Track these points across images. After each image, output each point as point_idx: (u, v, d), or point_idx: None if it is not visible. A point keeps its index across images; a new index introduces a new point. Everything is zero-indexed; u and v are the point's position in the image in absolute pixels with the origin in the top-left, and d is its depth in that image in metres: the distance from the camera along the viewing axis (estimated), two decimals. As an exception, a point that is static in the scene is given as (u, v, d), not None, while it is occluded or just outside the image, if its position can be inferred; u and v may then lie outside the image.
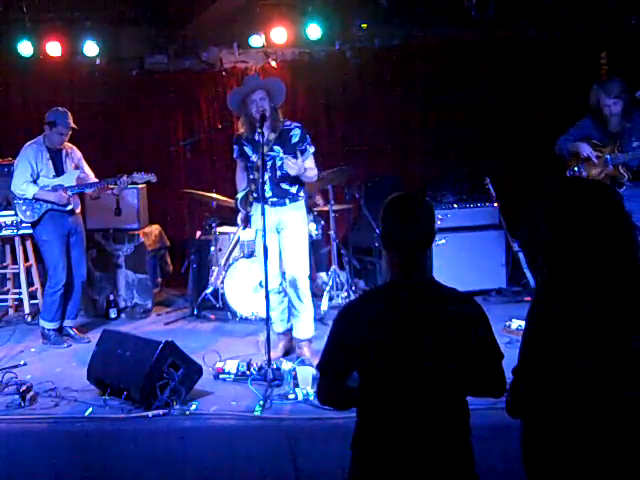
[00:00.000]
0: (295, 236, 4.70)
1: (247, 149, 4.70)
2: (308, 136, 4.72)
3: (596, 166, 5.10)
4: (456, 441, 2.23)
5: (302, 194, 4.77)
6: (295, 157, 4.58)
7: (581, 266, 2.06)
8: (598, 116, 5.11)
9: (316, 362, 4.49)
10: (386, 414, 2.22)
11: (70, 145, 5.49)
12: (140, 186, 6.39)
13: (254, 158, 4.65)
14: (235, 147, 4.81)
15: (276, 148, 4.63)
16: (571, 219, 2.07)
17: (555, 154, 6.66)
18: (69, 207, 5.37)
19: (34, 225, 5.41)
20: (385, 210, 2.31)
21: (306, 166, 4.64)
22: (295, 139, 4.64)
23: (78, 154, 5.55)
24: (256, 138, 4.52)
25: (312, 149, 4.73)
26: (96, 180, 5.51)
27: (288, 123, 4.70)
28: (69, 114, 5.30)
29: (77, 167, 5.47)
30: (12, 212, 5.92)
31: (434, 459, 2.19)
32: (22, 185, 5.29)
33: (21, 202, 5.34)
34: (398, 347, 2.19)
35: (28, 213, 5.36)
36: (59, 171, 5.39)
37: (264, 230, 4.40)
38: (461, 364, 2.21)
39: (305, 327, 4.80)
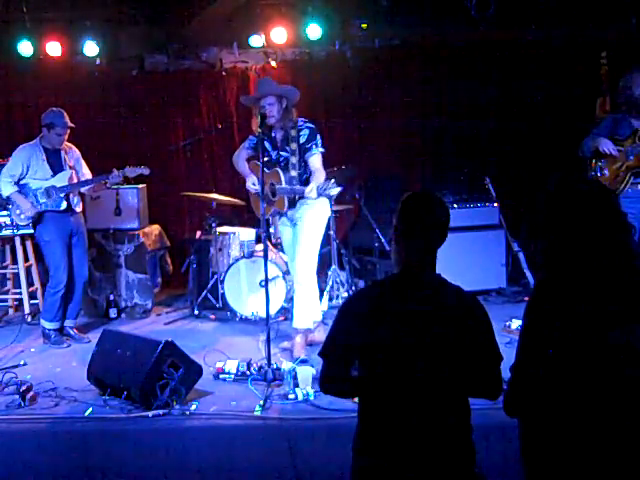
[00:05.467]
0: (303, 230, 4.81)
1: (267, 145, 4.81)
2: (319, 137, 4.79)
3: (617, 160, 5.04)
4: (457, 438, 2.24)
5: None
6: (301, 163, 4.74)
7: (578, 266, 2.06)
8: (625, 102, 5.03)
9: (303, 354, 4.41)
10: (386, 409, 2.23)
11: (69, 145, 5.49)
12: (140, 186, 6.40)
13: (273, 154, 4.80)
14: (254, 139, 4.87)
15: (287, 148, 4.74)
16: (569, 220, 2.08)
17: (555, 155, 6.67)
18: (63, 206, 5.35)
19: (35, 225, 5.41)
20: (402, 206, 2.34)
21: (314, 166, 4.72)
22: (302, 139, 4.73)
23: (77, 154, 5.54)
24: (278, 138, 4.76)
25: (318, 150, 4.77)
26: (89, 178, 5.51)
27: (301, 123, 4.76)
28: (65, 113, 5.30)
29: (72, 167, 5.47)
30: (12, 212, 5.93)
31: (435, 456, 2.19)
32: (1, 182, 5.33)
33: (15, 206, 5.35)
34: (399, 341, 2.21)
35: (22, 216, 5.35)
36: (57, 171, 5.38)
37: (264, 230, 4.43)
38: (459, 362, 2.22)
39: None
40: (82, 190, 5.56)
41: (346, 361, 2.32)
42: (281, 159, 4.79)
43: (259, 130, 4.49)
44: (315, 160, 4.77)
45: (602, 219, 2.07)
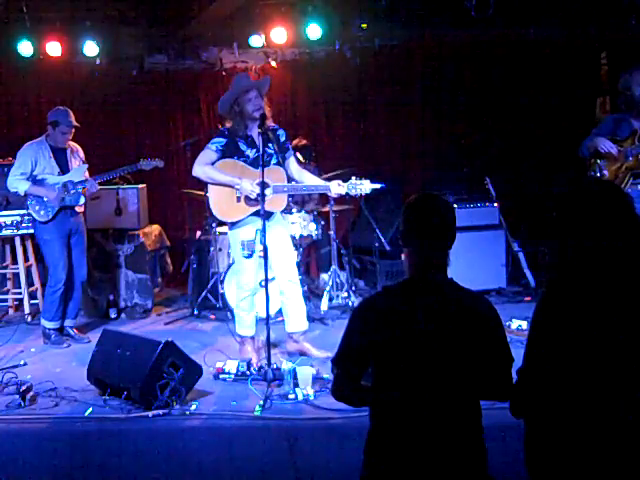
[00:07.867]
0: (284, 231, 4.86)
1: (241, 145, 4.66)
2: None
3: (616, 161, 5.03)
4: (470, 440, 2.23)
5: None
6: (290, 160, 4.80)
7: (591, 267, 2.05)
8: (625, 102, 5.03)
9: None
10: (399, 411, 2.23)
11: (76, 145, 5.49)
12: (140, 186, 6.41)
13: (249, 153, 4.64)
14: (223, 140, 4.64)
15: (271, 146, 4.67)
16: (583, 220, 2.07)
17: (555, 155, 6.66)
18: (81, 201, 5.37)
19: (35, 224, 5.40)
20: (407, 209, 2.32)
21: (295, 167, 4.82)
22: (283, 138, 4.76)
23: (82, 154, 5.54)
24: (255, 136, 4.60)
25: (291, 151, 4.89)
26: (96, 175, 5.50)
27: (272, 123, 4.74)
28: (70, 113, 5.30)
29: (85, 162, 5.48)
30: (12, 212, 5.93)
31: (449, 458, 2.19)
32: (14, 182, 5.31)
33: (34, 202, 5.33)
34: (412, 344, 2.21)
35: (42, 212, 5.32)
36: (64, 169, 5.38)
37: (264, 230, 4.41)
38: (472, 364, 2.22)
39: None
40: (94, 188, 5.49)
41: (359, 368, 2.31)
42: (266, 158, 4.56)
43: (260, 130, 4.47)
44: (294, 161, 4.85)
45: (616, 220, 2.05)
